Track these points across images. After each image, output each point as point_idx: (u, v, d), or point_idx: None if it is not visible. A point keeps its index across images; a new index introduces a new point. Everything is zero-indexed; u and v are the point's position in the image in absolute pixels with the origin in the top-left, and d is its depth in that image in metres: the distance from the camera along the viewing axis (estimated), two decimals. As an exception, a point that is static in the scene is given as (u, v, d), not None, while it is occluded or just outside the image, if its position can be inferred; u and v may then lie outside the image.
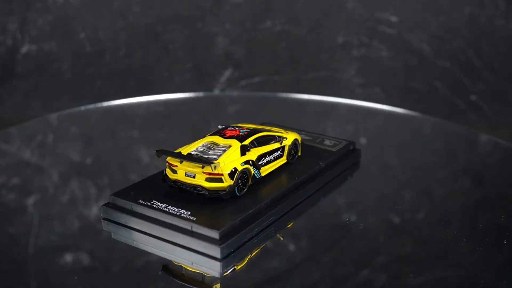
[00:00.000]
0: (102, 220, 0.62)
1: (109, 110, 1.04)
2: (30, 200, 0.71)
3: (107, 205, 0.62)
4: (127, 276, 0.58)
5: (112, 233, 0.61)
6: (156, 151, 0.62)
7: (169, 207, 0.59)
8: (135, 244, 0.60)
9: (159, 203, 0.60)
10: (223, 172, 0.60)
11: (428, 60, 1.64)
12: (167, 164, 0.62)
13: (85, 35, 1.59)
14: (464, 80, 1.66)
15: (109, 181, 0.77)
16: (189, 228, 0.57)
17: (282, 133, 0.70)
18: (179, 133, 0.96)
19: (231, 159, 0.61)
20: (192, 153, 0.62)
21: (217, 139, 0.64)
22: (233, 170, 0.60)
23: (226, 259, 0.56)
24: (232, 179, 0.60)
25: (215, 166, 0.59)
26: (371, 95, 1.66)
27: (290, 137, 0.70)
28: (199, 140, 0.64)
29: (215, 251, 0.55)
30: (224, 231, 0.56)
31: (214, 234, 0.56)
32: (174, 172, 0.61)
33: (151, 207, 0.59)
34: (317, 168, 0.70)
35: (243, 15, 1.60)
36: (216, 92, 1.63)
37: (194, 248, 0.56)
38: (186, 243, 0.57)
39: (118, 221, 0.61)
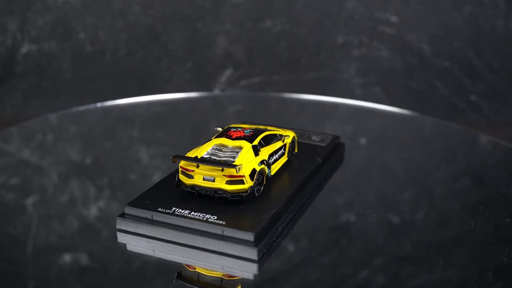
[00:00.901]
0: (117, 233, 0.60)
1: (109, 110, 1.04)
2: (30, 200, 0.71)
3: (122, 216, 0.60)
4: (126, 277, 0.57)
5: (127, 245, 0.59)
6: (173, 157, 0.60)
7: (193, 213, 0.58)
8: (155, 254, 0.58)
9: (180, 210, 0.58)
10: (244, 174, 0.59)
11: (428, 60, 1.64)
12: (180, 169, 0.61)
13: (85, 35, 1.59)
14: (464, 80, 1.65)
15: (108, 181, 0.77)
16: (220, 232, 0.56)
17: (279, 131, 0.70)
18: (179, 133, 0.96)
19: (248, 160, 0.61)
20: (205, 156, 0.61)
21: (224, 141, 0.63)
22: (252, 171, 0.60)
23: (261, 260, 0.56)
24: (252, 180, 0.60)
25: (239, 168, 0.58)
26: (371, 95, 1.66)
27: (290, 135, 0.70)
28: (206, 144, 0.63)
29: (252, 253, 0.55)
30: (257, 232, 0.56)
31: (249, 236, 0.55)
32: (190, 177, 0.60)
33: (173, 214, 0.58)
34: (316, 163, 0.71)
35: (243, 15, 1.60)
36: (216, 92, 1.63)
37: (226, 252, 0.56)
38: (217, 248, 0.56)
39: (136, 232, 0.59)
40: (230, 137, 0.64)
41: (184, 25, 1.60)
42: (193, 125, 0.99)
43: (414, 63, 1.64)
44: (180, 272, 0.57)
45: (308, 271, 0.58)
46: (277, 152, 0.67)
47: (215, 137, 0.65)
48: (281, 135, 0.69)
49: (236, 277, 0.56)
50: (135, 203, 0.60)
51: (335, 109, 1.08)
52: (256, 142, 0.63)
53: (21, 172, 0.79)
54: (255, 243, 0.55)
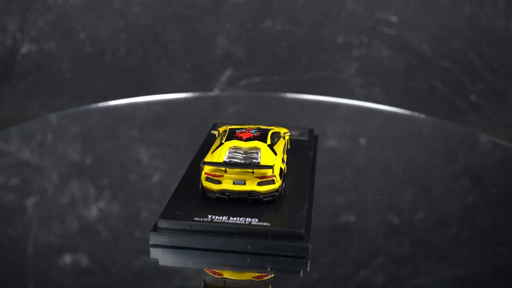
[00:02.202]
0: (150, 248, 0.57)
1: (109, 110, 1.04)
2: (30, 201, 0.71)
3: (155, 230, 0.57)
4: (126, 277, 0.57)
5: (160, 259, 0.58)
6: (202, 163, 0.59)
7: (232, 218, 0.57)
8: (193, 265, 0.58)
9: (217, 217, 0.57)
10: (275, 173, 0.59)
11: (428, 60, 1.64)
12: (204, 176, 0.60)
13: (85, 35, 1.59)
14: (464, 80, 1.66)
15: (108, 182, 0.77)
16: (267, 234, 0.56)
17: (273, 129, 0.70)
18: (179, 133, 0.96)
19: (272, 159, 0.61)
20: (226, 160, 0.60)
21: (237, 143, 0.62)
22: (280, 170, 0.60)
23: (312, 257, 0.56)
24: (281, 178, 0.60)
25: (274, 169, 0.58)
26: (371, 95, 1.66)
27: (287, 132, 0.71)
28: (219, 148, 0.62)
29: (304, 251, 0.55)
30: (306, 229, 0.56)
31: (299, 234, 0.55)
32: (218, 182, 0.59)
33: (212, 222, 0.56)
34: (310, 157, 0.71)
35: (243, 15, 1.60)
36: (216, 92, 1.63)
37: (276, 252, 0.55)
38: (264, 250, 0.56)
39: (172, 245, 0.57)
40: (240, 139, 0.63)
41: (184, 25, 1.60)
42: (193, 125, 0.99)
43: (414, 63, 1.65)
44: (224, 281, 0.56)
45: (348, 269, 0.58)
46: (284, 150, 0.67)
47: (224, 141, 0.63)
48: (279, 133, 0.69)
49: (268, 276, 0.56)
50: (167, 215, 0.57)
51: (335, 109, 1.08)
52: (269, 142, 0.63)
53: (21, 172, 0.79)
54: (305, 240, 0.55)
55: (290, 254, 0.55)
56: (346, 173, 0.80)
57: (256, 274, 0.57)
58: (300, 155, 0.71)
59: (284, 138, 0.68)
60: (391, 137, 0.96)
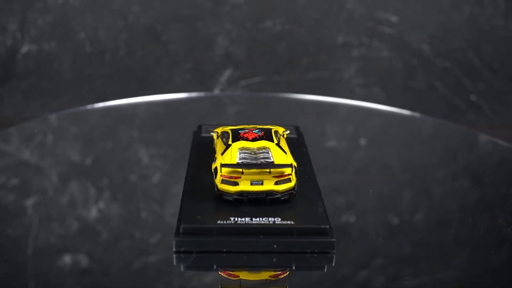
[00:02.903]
0: (174, 255, 0.56)
1: (109, 110, 1.04)
2: (30, 201, 0.71)
3: (178, 236, 0.56)
4: (126, 278, 0.57)
5: (182, 267, 0.58)
6: (221, 165, 0.59)
7: (254, 219, 0.57)
8: (217, 269, 0.57)
9: (240, 219, 0.57)
10: (291, 172, 0.59)
11: (428, 60, 1.64)
12: (220, 179, 0.59)
13: (85, 35, 1.59)
14: (464, 80, 1.65)
15: (108, 182, 0.77)
16: (293, 232, 0.56)
17: (274, 128, 0.70)
18: (179, 133, 0.96)
19: (284, 158, 0.61)
20: (240, 162, 0.60)
21: (245, 144, 0.62)
22: (294, 168, 0.60)
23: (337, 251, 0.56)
24: (296, 177, 0.60)
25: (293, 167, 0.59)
26: (371, 95, 1.66)
27: (285, 131, 0.71)
28: (228, 150, 0.61)
29: (330, 246, 0.56)
30: (329, 225, 0.57)
31: (324, 230, 0.56)
32: (235, 184, 0.59)
33: (236, 224, 0.56)
34: (306, 153, 0.71)
35: (243, 15, 1.60)
36: (216, 92, 1.63)
37: (303, 250, 0.56)
38: (291, 248, 0.56)
39: (197, 249, 0.56)
40: (247, 139, 0.63)
41: (184, 25, 1.60)
42: (193, 125, 0.99)
43: (414, 63, 1.64)
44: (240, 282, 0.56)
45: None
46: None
47: (232, 142, 0.63)
48: (277, 132, 0.69)
49: (284, 274, 0.57)
50: (189, 220, 0.57)
51: (335, 109, 1.08)
52: (276, 141, 0.63)
53: (21, 172, 0.79)
54: (330, 236, 0.56)
55: (316, 251, 0.56)
56: (346, 173, 0.80)
57: (273, 273, 0.57)
58: (295, 153, 0.71)
59: (283, 136, 0.68)
60: (391, 137, 0.96)
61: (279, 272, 0.57)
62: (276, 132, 0.67)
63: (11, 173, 0.79)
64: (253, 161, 0.60)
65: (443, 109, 1.67)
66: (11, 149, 0.87)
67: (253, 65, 1.64)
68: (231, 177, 0.58)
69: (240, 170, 0.58)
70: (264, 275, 0.57)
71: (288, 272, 0.57)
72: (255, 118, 0.82)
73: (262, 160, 0.60)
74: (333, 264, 0.56)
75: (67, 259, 0.60)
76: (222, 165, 0.58)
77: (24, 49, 1.59)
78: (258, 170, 0.58)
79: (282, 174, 0.59)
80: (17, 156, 0.85)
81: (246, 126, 0.69)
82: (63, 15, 1.57)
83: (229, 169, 0.58)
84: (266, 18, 1.61)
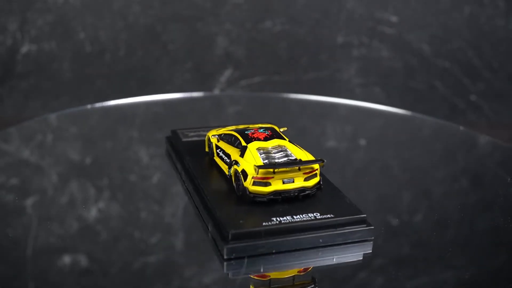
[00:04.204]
0: (225, 263, 0.56)
1: (109, 110, 1.04)
2: (29, 201, 0.71)
3: (228, 243, 0.56)
4: (125, 278, 0.58)
5: (230, 273, 0.57)
6: (258, 167, 0.58)
7: (295, 216, 0.57)
8: (265, 270, 0.57)
9: (280, 218, 0.57)
10: (317, 167, 0.60)
11: (428, 60, 1.64)
12: (251, 181, 0.59)
13: (85, 35, 1.59)
14: (464, 80, 1.66)
15: (108, 182, 0.77)
16: (335, 225, 0.57)
17: (274, 127, 0.70)
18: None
19: (304, 154, 0.62)
20: (265, 162, 0.60)
21: (260, 144, 0.62)
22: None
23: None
24: (320, 172, 0.61)
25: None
26: (371, 95, 1.66)
27: (285, 129, 0.71)
28: (247, 152, 0.61)
29: (370, 233, 0.58)
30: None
31: (363, 219, 0.58)
32: (268, 184, 0.59)
33: (281, 224, 0.56)
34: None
35: (243, 15, 1.60)
36: (216, 92, 1.63)
37: (346, 240, 0.58)
38: (335, 240, 0.57)
39: (247, 254, 0.56)
40: (259, 139, 0.63)
41: (184, 25, 1.60)
42: (193, 125, 0.99)
43: (414, 63, 1.65)
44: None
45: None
46: None
47: (247, 144, 0.63)
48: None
49: (309, 268, 0.57)
50: (236, 226, 0.56)
51: (335, 109, 1.08)
52: (287, 138, 0.64)
53: (21, 172, 0.79)
54: (367, 223, 0.58)
55: (357, 240, 0.58)
56: (346, 173, 0.80)
57: (301, 268, 0.57)
58: None
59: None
60: (391, 138, 0.96)
61: (307, 267, 0.58)
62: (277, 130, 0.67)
63: (10, 173, 0.79)
64: (279, 160, 0.60)
65: (443, 109, 1.67)
66: (11, 149, 0.87)
67: (253, 65, 1.64)
68: (263, 178, 0.59)
69: (271, 170, 0.58)
70: (293, 272, 0.57)
71: (311, 267, 0.58)
72: (255, 118, 0.82)
73: (286, 158, 0.60)
74: (371, 251, 0.58)
75: (66, 259, 0.60)
76: (260, 167, 0.58)
77: (24, 49, 1.59)
78: (289, 169, 0.59)
79: (311, 170, 0.60)
80: (17, 156, 0.85)
81: (239, 127, 0.69)
82: (63, 15, 1.57)
83: (263, 170, 0.58)
84: (266, 18, 1.61)
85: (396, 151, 0.90)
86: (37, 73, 1.61)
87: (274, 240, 0.56)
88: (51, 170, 0.80)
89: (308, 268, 0.57)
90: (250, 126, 0.69)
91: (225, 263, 0.55)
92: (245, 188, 0.59)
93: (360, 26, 1.61)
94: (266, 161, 0.60)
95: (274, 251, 0.56)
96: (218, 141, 0.68)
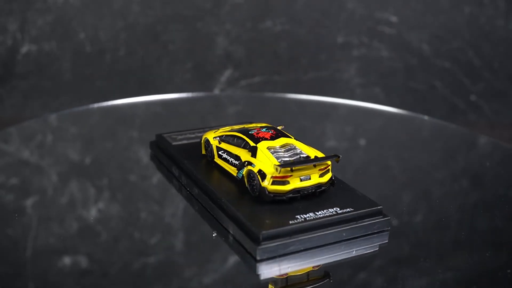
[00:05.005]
0: (257, 265, 0.56)
1: (109, 110, 1.04)
2: (29, 201, 0.71)
3: (260, 244, 0.55)
4: (125, 279, 0.58)
5: (263, 273, 0.57)
6: (280, 166, 0.58)
7: (317, 213, 0.58)
8: (292, 268, 0.57)
9: (304, 215, 0.58)
10: (329, 163, 0.62)
11: (428, 60, 1.64)
12: (270, 180, 0.59)
13: (85, 35, 1.59)
14: (464, 80, 1.66)
15: (108, 182, 0.77)
16: (355, 218, 0.59)
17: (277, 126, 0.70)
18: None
19: (313, 150, 0.63)
20: (280, 161, 0.60)
21: (268, 143, 0.62)
22: None
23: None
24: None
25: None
26: (371, 95, 1.66)
27: (284, 127, 0.71)
28: (259, 152, 0.61)
29: (387, 224, 0.60)
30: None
31: (380, 211, 0.60)
32: (286, 183, 0.59)
33: (306, 221, 0.57)
34: None
35: (243, 15, 1.60)
36: (216, 92, 1.63)
37: (366, 232, 0.59)
38: (357, 233, 0.59)
39: (279, 254, 0.56)
40: (266, 139, 0.63)
41: (184, 25, 1.60)
42: (193, 125, 0.99)
43: (414, 63, 1.65)
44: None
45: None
46: None
47: (257, 144, 0.62)
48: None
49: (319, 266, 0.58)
50: (264, 226, 0.56)
51: (335, 109, 1.08)
52: (292, 136, 0.65)
53: (21, 172, 0.79)
54: (383, 215, 0.60)
55: (376, 231, 0.59)
56: (346, 173, 0.80)
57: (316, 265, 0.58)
58: None
59: None
60: (391, 138, 0.96)
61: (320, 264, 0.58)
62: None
63: (10, 173, 0.79)
64: (291, 158, 0.61)
65: (443, 109, 1.67)
66: (11, 149, 0.87)
67: (253, 65, 1.64)
68: (282, 177, 0.59)
69: (289, 168, 0.59)
70: (308, 268, 0.58)
71: (321, 265, 0.58)
72: (255, 118, 0.82)
73: (298, 156, 0.61)
74: (388, 241, 0.60)
75: (66, 259, 0.60)
76: (281, 166, 0.58)
77: (24, 49, 1.59)
78: (304, 166, 0.59)
79: (324, 167, 0.61)
80: (17, 156, 0.85)
81: (234, 127, 0.69)
82: (63, 15, 1.57)
83: (284, 169, 0.58)
84: (266, 18, 1.61)
85: (396, 151, 0.90)
86: (37, 73, 1.61)
87: (301, 238, 0.57)
88: (51, 170, 0.80)
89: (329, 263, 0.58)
90: (246, 125, 0.69)
91: (257, 265, 0.56)
92: (264, 188, 0.59)
93: (360, 26, 1.61)
94: (280, 160, 0.60)
95: (302, 248, 0.57)
96: (219, 143, 0.68)
